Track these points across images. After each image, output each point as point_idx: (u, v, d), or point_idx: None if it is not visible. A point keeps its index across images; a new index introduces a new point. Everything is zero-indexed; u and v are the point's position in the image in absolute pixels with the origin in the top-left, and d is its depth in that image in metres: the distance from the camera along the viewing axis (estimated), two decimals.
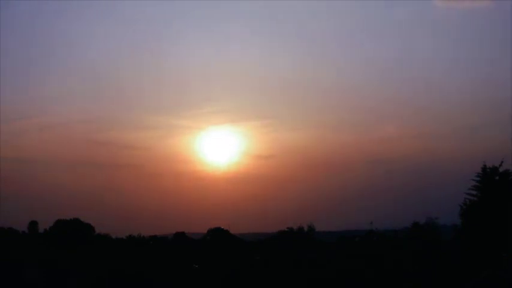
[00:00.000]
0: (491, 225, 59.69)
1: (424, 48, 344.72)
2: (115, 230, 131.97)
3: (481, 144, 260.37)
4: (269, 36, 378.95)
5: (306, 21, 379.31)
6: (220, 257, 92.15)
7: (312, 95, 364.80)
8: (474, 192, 62.38)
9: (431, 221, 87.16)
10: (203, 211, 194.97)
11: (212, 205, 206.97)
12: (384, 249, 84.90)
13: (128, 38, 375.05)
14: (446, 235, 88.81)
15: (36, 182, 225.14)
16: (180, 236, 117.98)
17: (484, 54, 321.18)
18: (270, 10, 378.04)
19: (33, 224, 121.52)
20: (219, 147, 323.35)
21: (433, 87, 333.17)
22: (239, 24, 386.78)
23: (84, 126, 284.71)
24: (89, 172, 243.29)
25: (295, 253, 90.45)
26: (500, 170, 62.01)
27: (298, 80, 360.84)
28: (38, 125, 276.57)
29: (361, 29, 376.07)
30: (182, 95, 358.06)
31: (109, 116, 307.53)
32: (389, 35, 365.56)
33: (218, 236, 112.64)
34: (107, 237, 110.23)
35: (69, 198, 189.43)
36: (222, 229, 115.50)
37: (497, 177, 62.02)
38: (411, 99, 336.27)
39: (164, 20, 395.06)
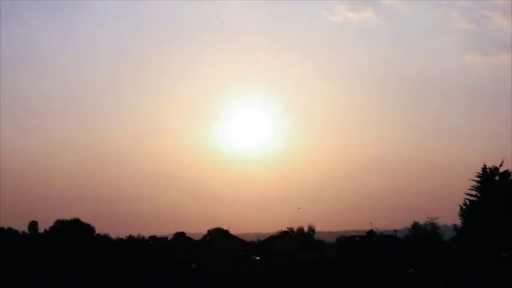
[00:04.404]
0: (491, 225, 59.57)
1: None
2: (115, 230, 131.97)
3: (481, 144, 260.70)
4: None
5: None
6: (220, 257, 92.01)
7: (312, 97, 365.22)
8: (474, 193, 62.18)
9: (431, 221, 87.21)
10: (203, 211, 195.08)
11: (212, 205, 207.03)
12: (384, 249, 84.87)
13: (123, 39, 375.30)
14: (446, 235, 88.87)
15: (35, 183, 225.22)
16: (180, 236, 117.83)
17: None
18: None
19: (33, 224, 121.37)
20: (217, 147, 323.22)
21: (431, 88, 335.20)
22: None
23: (78, 129, 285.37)
24: (87, 173, 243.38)
25: (295, 253, 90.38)
26: (501, 170, 61.82)
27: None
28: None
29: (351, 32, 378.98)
30: (173, 95, 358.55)
31: (102, 119, 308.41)
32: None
33: (218, 236, 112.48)
34: (107, 237, 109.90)
35: (69, 198, 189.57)
36: (222, 229, 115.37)
37: (497, 178, 61.82)
38: (409, 99, 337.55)
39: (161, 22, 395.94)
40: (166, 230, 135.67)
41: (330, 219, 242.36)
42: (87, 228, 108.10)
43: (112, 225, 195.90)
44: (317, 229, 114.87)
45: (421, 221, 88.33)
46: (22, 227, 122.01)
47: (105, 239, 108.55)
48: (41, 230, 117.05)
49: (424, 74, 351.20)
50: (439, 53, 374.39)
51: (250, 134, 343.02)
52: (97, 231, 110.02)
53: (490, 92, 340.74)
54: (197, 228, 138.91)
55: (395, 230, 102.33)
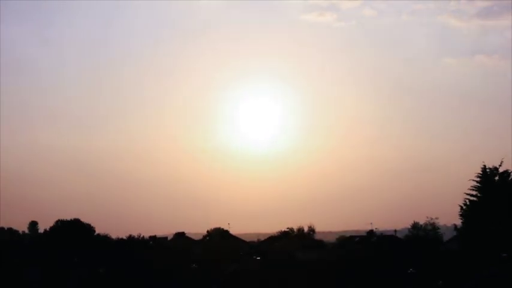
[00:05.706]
0: (491, 225, 59.59)
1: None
2: (115, 230, 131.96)
3: (481, 144, 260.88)
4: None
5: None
6: (220, 257, 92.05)
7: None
8: (474, 193, 62.18)
9: (431, 221, 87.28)
10: (203, 211, 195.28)
11: (212, 205, 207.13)
12: (384, 249, 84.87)
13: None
14: (446, 235, 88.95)
15: (35, 183, 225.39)
16: (180, 236, 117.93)
17: None
18: None
19: (33, 224, 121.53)
20: (217, 147, 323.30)
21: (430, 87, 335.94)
22: None
23: (78, 129, 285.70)
24: (87, 173, 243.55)
25: (295, 253, 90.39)
26: (500, 170, 61.84)
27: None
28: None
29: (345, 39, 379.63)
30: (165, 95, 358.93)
31: (100, 119, 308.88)
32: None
33: (218, 236, 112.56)
34: (107, 237, 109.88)
35: (69, 198, 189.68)
36: (222, 229, 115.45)
37: (497, 178, 61.83)
38: (409, 100, 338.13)
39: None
40: (166, 230, 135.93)
41: (330, 219, 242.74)
42: (87, 228, 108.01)
43: (112, 225, 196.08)
44: (317, 229, 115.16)
45: (421, 221, 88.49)
46: (22, 227, 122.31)
47: (105, 239, 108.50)
48: (41, 230, 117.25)
49: (417, 75, 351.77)
50: (422, 55, 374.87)
51: (250, 134, 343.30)
52: (97, 231, 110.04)
53: (487, 92, 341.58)
54: (197, 228, 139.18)
55: (395, 230, 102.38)
